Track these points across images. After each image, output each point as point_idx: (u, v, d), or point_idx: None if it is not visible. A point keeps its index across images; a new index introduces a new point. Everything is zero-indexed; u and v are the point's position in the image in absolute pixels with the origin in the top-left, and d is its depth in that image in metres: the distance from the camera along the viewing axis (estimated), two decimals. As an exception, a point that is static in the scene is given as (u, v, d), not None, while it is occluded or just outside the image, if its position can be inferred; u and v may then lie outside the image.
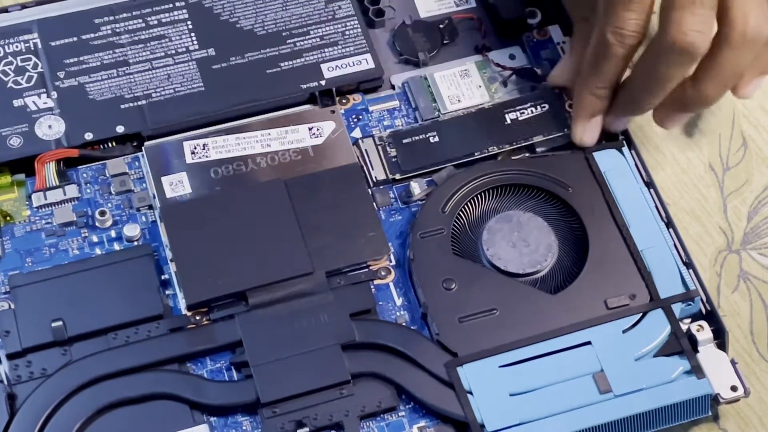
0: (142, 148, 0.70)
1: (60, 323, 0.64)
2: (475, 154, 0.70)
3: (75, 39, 0.73)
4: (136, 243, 0.68)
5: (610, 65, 0.67)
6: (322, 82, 0.72)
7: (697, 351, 0.65)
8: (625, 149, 0.71)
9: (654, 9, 0.65)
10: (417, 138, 0.71)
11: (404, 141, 0.71)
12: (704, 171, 0.74)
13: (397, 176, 0.70)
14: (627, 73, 0.69)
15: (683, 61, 0.64)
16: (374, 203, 0.69)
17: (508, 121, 0.71)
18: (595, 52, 0.67)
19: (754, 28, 0.64)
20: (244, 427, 0.63)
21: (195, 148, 0.70)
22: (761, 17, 0.64)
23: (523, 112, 0.71)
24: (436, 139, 0.71)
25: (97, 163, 0.70)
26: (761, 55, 0.67)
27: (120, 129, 0.70)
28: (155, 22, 0.74)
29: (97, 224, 0.68)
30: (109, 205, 0.69)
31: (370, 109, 0.73)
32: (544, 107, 0.71)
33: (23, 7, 0.74)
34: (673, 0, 0.63)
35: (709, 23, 0.63)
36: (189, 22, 0.74)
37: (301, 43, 0.73)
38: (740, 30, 0.64)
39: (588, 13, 0.69)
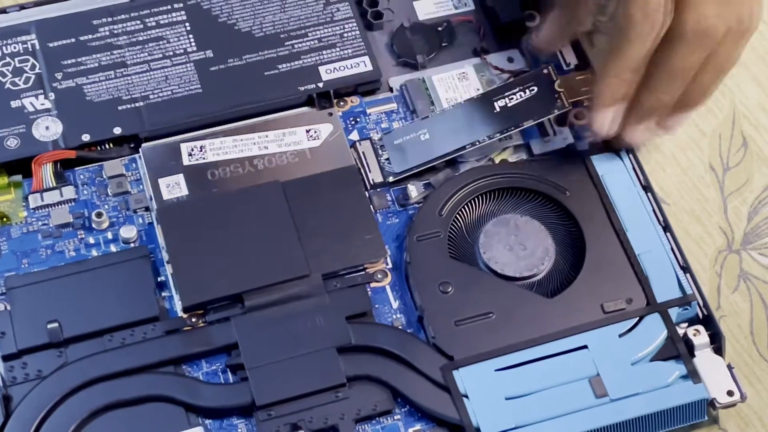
0: (139, 149, 0.70)
1: (56, 325, 0.64)
2: (467, 146, 0.70)
3: (73, 40, 0.73)
4: (132, 245, 0.68)
5: (637, 46, 0.64)
6: (320, 85, 0.72)
7: (693, 355, 0.65)
8: (623, 153, 0.71)
9: None
10: (408, 137, 0.70)
11: (395, 142, 0.70)
12: (704, 171, 0.74)
13: (390, 179, 0.70)
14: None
15: (700, 45, 0.64)
16: (371, 206, 0.69)
17: (498, 109, 0.70)
18: (620, 33, 0.65)
19: (706, 24, 0.63)
20: (239, 430, 0.63)
21: (192, 149, 0.70)
22: (714, 14, 0.63)
23: (512, 98, 0.70)
24: (427, 136, 0.70)
25: (94, 164, 0.70)
26: (715, 54, 0.66)
27: (117, 130, 0.70)
28: (153, 23, 0.73)
29: (93, 226, 0.68)
30: (106, 206, 0.69)
31: (368, 111, 0.73)
32: (533, 90, 0.70)
33: (21, 8, 0.74)
34: None
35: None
36: (187, 24, 0.74)
37: (299, 45, 0.73)
38: (692, 25, 0.63)
39: None
